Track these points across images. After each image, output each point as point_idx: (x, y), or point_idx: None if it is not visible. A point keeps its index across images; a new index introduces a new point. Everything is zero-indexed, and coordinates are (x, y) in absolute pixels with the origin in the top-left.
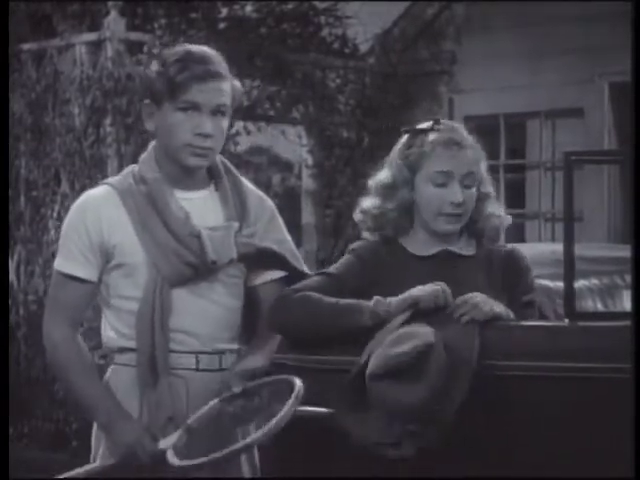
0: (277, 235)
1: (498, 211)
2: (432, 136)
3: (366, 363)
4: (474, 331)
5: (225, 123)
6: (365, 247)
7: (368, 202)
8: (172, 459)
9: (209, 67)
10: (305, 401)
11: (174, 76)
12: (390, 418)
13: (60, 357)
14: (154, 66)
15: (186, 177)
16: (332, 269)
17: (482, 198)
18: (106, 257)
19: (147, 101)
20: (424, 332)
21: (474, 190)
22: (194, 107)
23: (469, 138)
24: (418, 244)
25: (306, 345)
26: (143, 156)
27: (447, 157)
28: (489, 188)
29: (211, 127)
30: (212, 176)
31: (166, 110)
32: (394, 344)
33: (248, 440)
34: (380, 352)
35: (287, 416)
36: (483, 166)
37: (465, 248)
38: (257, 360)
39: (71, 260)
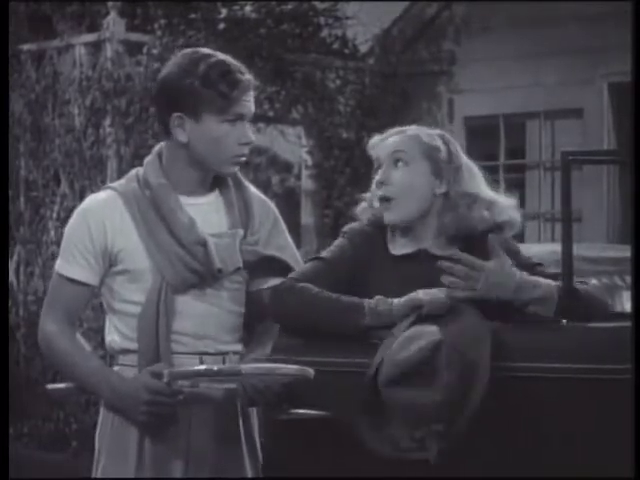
0: (280, 241)
1: (484, 214)
2: None
3: (377, 370)
4: (486, 329)
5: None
6: (357, 230)
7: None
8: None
9: (249, 77)
10: (304, 403)
11: (228, 91)
12: (413, 422)
13: (54, 346)
14: (186, 78)
15: (194, 183)
16: (326, 253)
17: (454, 197)
18: (109, 262)
19: (177, 114)
20: (430, 331)
21: (410, 170)
22: (240, 118)
23: (418, 134)
24: (395, 242)
25: (303, 336)
26: (148, 159)
27: (376, 147)
28: (470, 187)
29: (252, 135)
30: (217, 181)
31: (207, 122)
32: (401, 349)
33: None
34: (389, 358)
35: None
36: (449, 157)
37: (443, 247)
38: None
39: (73, 263)
